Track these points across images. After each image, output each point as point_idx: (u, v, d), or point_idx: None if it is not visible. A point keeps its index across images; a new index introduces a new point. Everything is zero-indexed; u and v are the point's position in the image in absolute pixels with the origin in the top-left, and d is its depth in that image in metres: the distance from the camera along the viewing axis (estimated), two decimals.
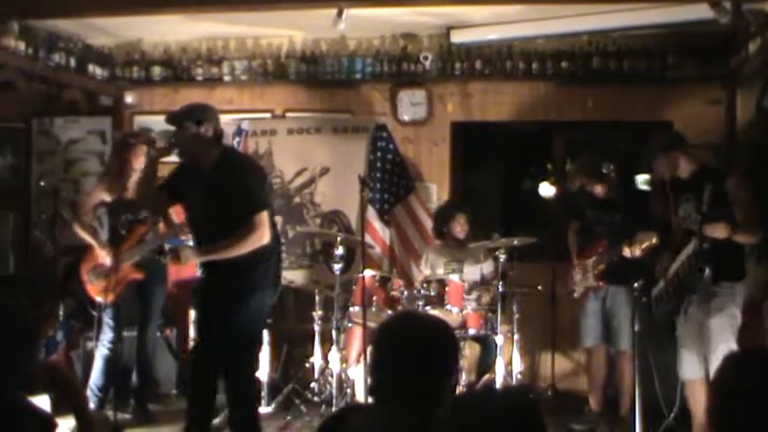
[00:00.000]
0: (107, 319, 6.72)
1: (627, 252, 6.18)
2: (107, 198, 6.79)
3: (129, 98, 8.70)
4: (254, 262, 5.34)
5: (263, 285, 5.43)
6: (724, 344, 5.51)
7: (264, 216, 5.30)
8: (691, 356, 5.78)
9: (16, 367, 3.30)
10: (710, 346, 5.61)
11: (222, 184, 5.28)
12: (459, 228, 7.31)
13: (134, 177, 6.75)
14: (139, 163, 6.76)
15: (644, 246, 6.10)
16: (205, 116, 5.37)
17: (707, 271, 5.50)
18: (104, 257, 6.67)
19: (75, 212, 7.14)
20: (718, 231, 5.37)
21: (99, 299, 6.69)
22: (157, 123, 8.55)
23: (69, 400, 5.17)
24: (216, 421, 5.91)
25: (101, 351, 6.77)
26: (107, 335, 6.74)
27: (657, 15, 7.29)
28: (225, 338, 5.37)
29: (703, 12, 6.59)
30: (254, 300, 5.37)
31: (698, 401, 5.74)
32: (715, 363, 5.53)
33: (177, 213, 6.94)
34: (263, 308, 5.51)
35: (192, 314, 6.48)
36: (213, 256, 5.28)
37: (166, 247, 6.63)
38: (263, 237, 5.27)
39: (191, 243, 5.70)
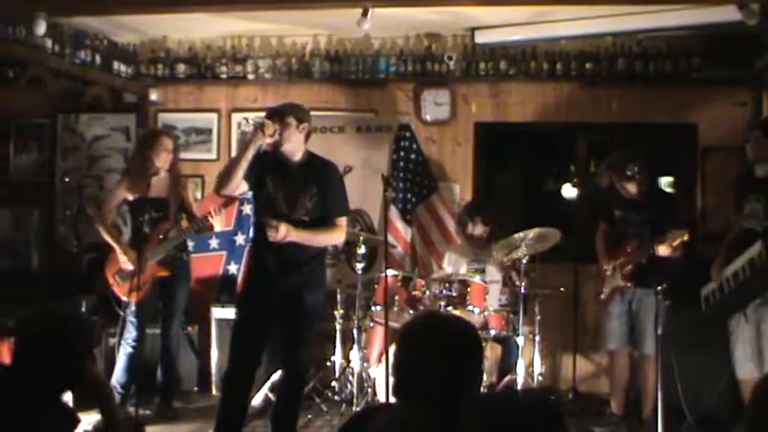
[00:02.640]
0: (131, 318, 6.76)
1: (659, 250, 6.16)
2: (129, 196, 6.82)
3: (153, 95, 8.72)
4: (322, 260, 5.75)
5: (323, 283, 5.80)
6: None
7: (346, 220, 5.72)
8: (748, 356, 5.75)
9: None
10: (766, 349, 5.61)
11: (314, 178, 5.53)
12: (474, 228, 7.30)
13: (158, 175, 6.78)
14: (162, 161, 6.79)
15: (675, 243, 6.11)
16: (304, 116, 5.59)
17: None
18: (126, 263, 6.70)
19: (98, 211, 7.16)
20: None
21: (126, 298, 6.73)
22: (181, 121, 8.66)
23: (95, 396, 5.20)
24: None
25: (124, 349, 6.81)
26: (131, 333, 6.78)
27: (683, 17, 7.24)
28: (295, 331, 5.55)
29: (730, 14, 6.55)
30: (320, 295, 5.69)
31: None
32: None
33: (201, 207, 6.99)
34: (321, 305, 5.77)
35: (232, 311, 6.43)
36: (303, 238, 5.45)
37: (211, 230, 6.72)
38: (341, 238, 5.77)
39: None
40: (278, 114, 5.48)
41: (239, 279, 7.87)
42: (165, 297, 6.94)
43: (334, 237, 5.68)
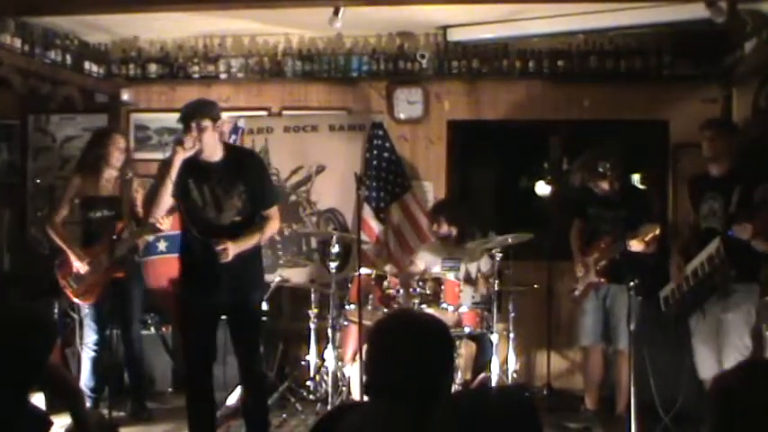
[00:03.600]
0: (89, 321, 6.70)
1: (631, 245, 6.20)
2: (81, 194, 6.75)
3: (125, 95, 8.66)
4: (259, 257, 5.69)
5: (263, 278, 5.86)
6: (738, 339, 5.61)
7: (277, 207, 5.66)
8: (708, 355, 5.85)
9: (32, 375, 3.38)
10: (726, 340, 5.70)
11: (237, 174, 5.41)
12: (439, 228, 7.32)
13: (110, 173, 6.72)
14: (114, 159, 6.73)
15: (648, 238, 6.16)
16: (217, 112, 5.46)
17: (733, 272, 5.56)
18: (78, 267, 6.63)
19: (48, 215, 7.09)
20: (745, 232, 5.38)
21: (79, 301, 6.67)
22: (154, 121, 8.63)
23: (65, 398, 5.17)
24: None
25: (86, 353, 6.76)
26: (90, 337, 6.72)
27: (654, 15, 7.29)
28: (244, 332, 5.55)
29: (699, 11, 6.61)
30: (261, 292, 5.82)
31: None
32: (730, 356, 5.62)
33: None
34: (261, 301, 5.89)
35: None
36: (247, 246, 5.40)
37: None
38: (277, 226, 5.75)
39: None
40: (192, 121, 5.28)
41: None
42: (120, 299, 6.80)
43: (271, 229, 5.63)
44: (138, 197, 6.85)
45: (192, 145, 5.21)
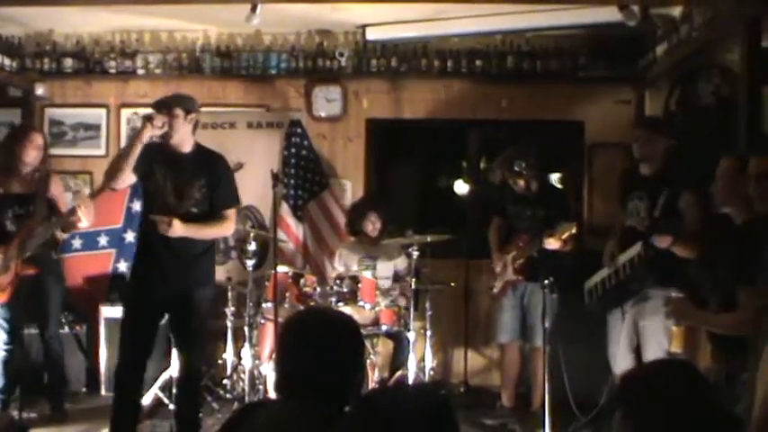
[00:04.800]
0: (0, 321, 6.56)
1: (548, 243, 6.28)
2: None
3: (39, 90, 8.49)
4: (212, 255, 5.80)
5: (213, 278, 5.85)
6: (657, 345, 5.67)
7: (235, 212, 5.81)
8: (625, 353, 5.93)
9: None
10: (645, 346, 5.79)
11: (203, 169, 5.58)
12: (372, 226, 7.30)
13: (25, 170, 6.61)
14: (31, 158, 6.62)
15: (565, 236, 6.24)
16: (191, 106, 5.64)
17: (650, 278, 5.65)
18: None
19: None
20: (665, 242, 5.46)
21: None
22: (69, 116, 8.49)
23: None
24: None
25: None
26: (1, 336, 6.57)
27: (569, 17, 7.41)
28: (186, 328, 5.58)
29: (613, 14, 6.72)
30: (210, 291, 5.76)
31: None
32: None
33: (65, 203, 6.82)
34: (211, 301, 5.83)
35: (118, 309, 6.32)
36: (194, 233, 5.50)
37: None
38: (230, 229, 5.86)
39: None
40: (165, 106, 5.49)
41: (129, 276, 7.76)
42: (37, 297, 6.68)
43: (224, 228, 5.75)
44: (58, 189, 6.83)
45: (160, 125, 5.38)
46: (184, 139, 5.57)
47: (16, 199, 6.56)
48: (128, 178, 5.51)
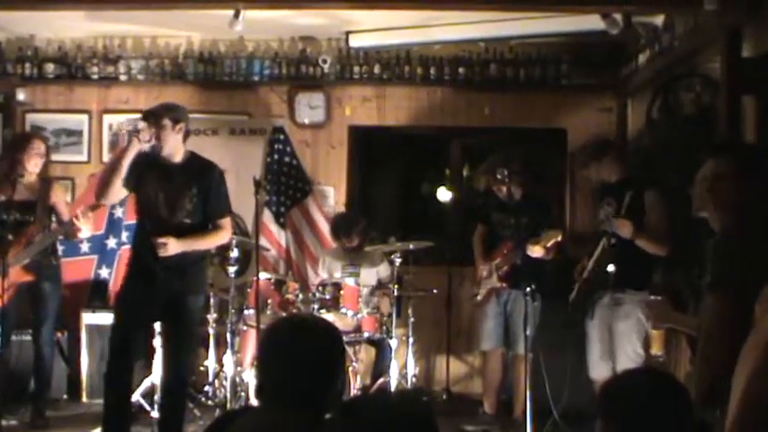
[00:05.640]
0: None
1: (532, 251, 6.29)
2: None
3: (21, 95, 8.45)
4: (205, 264, 5.84)
5: (205, 287, 5.92)
6: (631, 349, 5.74)
7: (229, 220, 5.79)
8: (598, 356, 6.04)
9: None
10: (618, 350, 5.89)
11: (194, 180, 5.54)
12: (349, 243, 7.32)
13: (27, 178, 6.60)
14: (33, 165, 6.63)
15: (549, 243, 6.26)
16: (180, 116, 5.57)
17: (611, 268, 5.70)
18: None
19: None
20: (624, 228, 5.57)
21: None
22: (51, 122, 8.45)
23: None
24: None
25: None
26: None
27: (552, 25, 7.43)
28: (177, 336, 5.58)
29: (595, 23, 6.75)
30: (201, 300, 5.80)
31: None
32: (624, 364, 5.77)
33: (71, 210, 6.82)
34: (201, 309, 5.87)
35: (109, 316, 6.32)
36: (190, 246, 5.48)
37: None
38: (226, 238, 5.84)
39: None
40: (153, 117, 5.45)
41: (112, 282, 7.74)
42: (34, 303, 6.73)
43: (219, 238, 5.74)
44: (60, 197, 6.88)
45: (148, 138, 5.35)
46: (175, 150, 5.53)
47: (17, 206, 6.56)
48: (118, 193, 5.51)
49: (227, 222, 5.71)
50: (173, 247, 5.34)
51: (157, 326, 6.35)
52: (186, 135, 5.61)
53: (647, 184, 5.98)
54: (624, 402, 2.47)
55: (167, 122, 5.44)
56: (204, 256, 5.77)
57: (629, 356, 5.81)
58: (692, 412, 2.50)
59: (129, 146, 5.34)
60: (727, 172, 3.20)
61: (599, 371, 6.04)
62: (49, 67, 8.34)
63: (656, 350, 5.14)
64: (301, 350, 2.76)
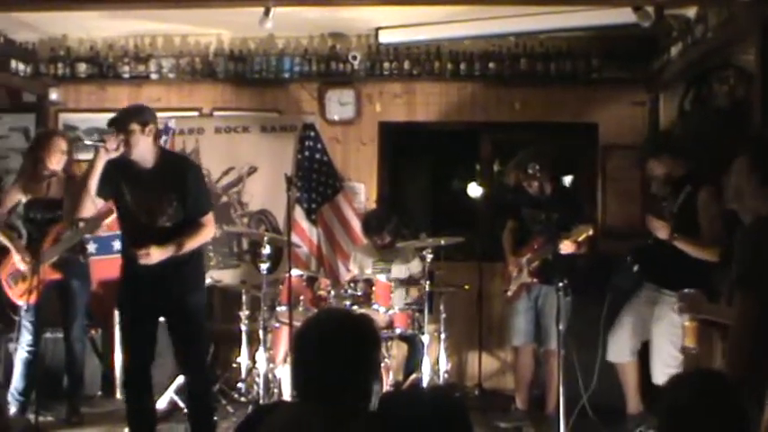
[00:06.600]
0: (25, 322, 6.61)
1: (563, 246, 6.24)
2: (23, 197, 6.67)
3: (53, 95, 8.54)
4: (199, 259, 5.68)
5: (203, 281, 5.78)
6: (666, 352, 5.69)
7: (211, 215, 5.60)
8: (623, 344, 6.08)
9: None
10: (654, 350, 5.85)
11: (171, 182, 5.36)
12: (380, 241, 7.32)
13: (53, 176, 6.64)
14: (55, 162, 6.65)
15: (580, 238, 6.21)
16: (147, 118, 5.38)
17: (635, 267, 5.66)
18: (19, 262, 6.56)
19: None
20: (661, 230, 5.48)
21: (20, 302, 6.59)
22: (83, 121, 8.49)
23: None
24: None
25: (20, 354, 6.66)
26: (25, 337, 6.62)
27: (583, 18, 7.39)
28: (184, 334, 5.52)
29: (627, 16, 6.70)
30: (202, 294, 5.67)
31: (629, 380, 6.18)
32: (658, 367, 5.78)
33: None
34: (203, 303, 5.72)
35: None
36: (175, 251, 5.34)
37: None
38: (210, 234, 5.64)
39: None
40: (119, 123, 5.26)
41: None
42: (63, 300, 6.80)
43: (203, 236, 5.54)
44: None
45: (115, 147, 5.16)
46: (146, 153, 5.33)
47: (43, 204, 6.61)
48: (91, 206, 5.34)
49: (209, 219, 5.53)
50: (155, 255, 5.23)
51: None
52: (158, 135, 5.46)
53: (704, 181, 5.75)
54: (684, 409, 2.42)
55: (135, 127, 5.23)
56: (196, 253, 5.60)
57: (665, 361, 5.73)
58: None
59: (96, 158, 5.17)
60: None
61: (617, 356, 6.13)
62: (81, 67, 8.41)
63: (690, 343, 5.08)
64: (336, 343, 2.75)
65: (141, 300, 5.41)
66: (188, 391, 5.75)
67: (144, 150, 5.31)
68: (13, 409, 6.49)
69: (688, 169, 5.91)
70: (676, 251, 5.62)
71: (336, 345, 2.77)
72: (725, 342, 5.72)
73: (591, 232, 6.26)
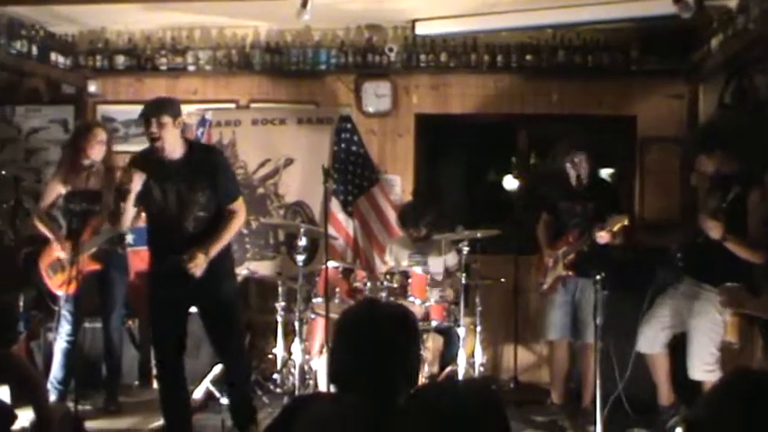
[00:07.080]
0: (64, 312, 6.67)
1: (600, 236, 6.20)
2: (63, 189, 6.73)
3: (92, 87, 8.63)
4: (229, 247, 5.72)
5: (233, 269, 5.85)
6: (705, 347, 5.63)
7: (241, 199, 5.68)
8: (657, 333, 6.03)
9: None
10: (690, 347, 5.76)
11: (201, 170, 5.45)
12: (416, 234, 7.31)
13: (93, 167, 6.69)
14: (95, 153, 6.70)
15: (616, 228, 6.16)
16: (177, 110, 5.47)
17: (679, 262, 5.62)
18: (60, 252, 6.62)
19: (36, 205, 7.08)
20: (714, 230, 5.39)
21: (59, 292, 6.65)
22: (121, 113, 8.55)
23: (26, 391, 5.14)
24: None
25: (59, 344, 6.73)
26: (65, 327, 6.69)
27: (621, 10, 7.33)
28: (219, 323, 5.59)
29: (666, 7, 6.63)
30: (234, 282, 5.79)
31: (660, 371, 6.10)
32: (696, 363, 5.71)
33: None
34: (236, 291, 5.84)
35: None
36: (217, 248, 5.43)
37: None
38: (242, 219, 5.72)
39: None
40: (152, 117, 5.33)
41: None
42: (101, 291, 6.86)
43: (237, 223, 5.62)
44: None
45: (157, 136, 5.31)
46: (175, 146, 5.42)
47: (83, 195, 6.66)
48: (131, 219, 5.55)
49: (240, 204, 5.61)
50: (202, 262, 5.30)
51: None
52: (184, 128, 5.56)
53: (753, 181, 5.59)
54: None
55: (168, 119, 5.33)
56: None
57: (702, 359, 5.68)
58: None
59: (131, 184, 5.33)
60: None
61: (649, 347, 6.08)
62: (120, 59, 8.48)
63: (731, 337, 5.05)
64: (375, 335, 2.75)
65: (172, 292, 5.44)
66: (228, 381, 5.80)
67: (174, 142, 5.40)
68: (52, 398, 6.55)
69: (738, 166, 5.76)
70: (723, 249, 5.46)
71: (375, 336, 2.76)
72: (763, 336, 5.68)
73: (626, 222, 6.22)
